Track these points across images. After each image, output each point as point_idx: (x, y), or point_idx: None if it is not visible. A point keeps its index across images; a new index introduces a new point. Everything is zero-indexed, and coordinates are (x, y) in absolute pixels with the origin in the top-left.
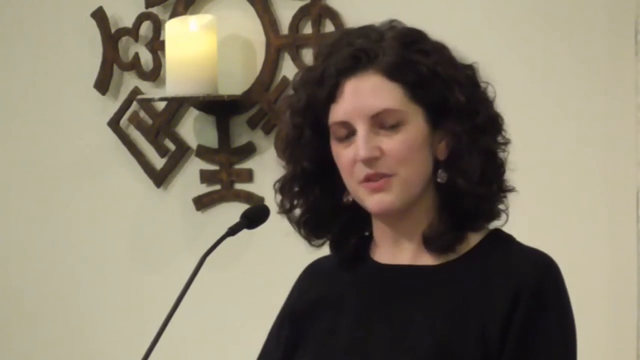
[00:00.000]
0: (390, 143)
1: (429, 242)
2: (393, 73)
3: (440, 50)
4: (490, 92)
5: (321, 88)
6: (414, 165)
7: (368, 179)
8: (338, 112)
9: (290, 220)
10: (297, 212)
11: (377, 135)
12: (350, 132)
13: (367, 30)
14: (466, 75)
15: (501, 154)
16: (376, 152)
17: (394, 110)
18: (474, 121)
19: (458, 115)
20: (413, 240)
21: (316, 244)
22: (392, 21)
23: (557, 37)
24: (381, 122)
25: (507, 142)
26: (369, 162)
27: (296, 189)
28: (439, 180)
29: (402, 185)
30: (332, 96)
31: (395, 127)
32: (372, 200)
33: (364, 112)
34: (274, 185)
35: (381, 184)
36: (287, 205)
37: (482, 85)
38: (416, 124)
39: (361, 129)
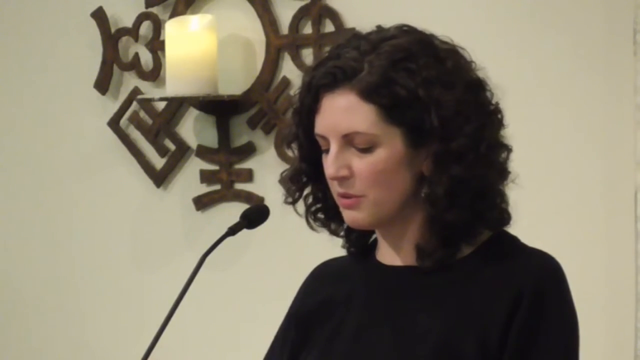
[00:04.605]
0: (360, 165)
1: (421, 258)
2: (369, 94)
3: (432, 67)
4: (494, 115)
5: (307, 96)
6: (385, 187)
7: (340, 194)
8: (317, 125)
9: (297, 209)
10: (306, 201)
11: (349, 154)
12: (329, 145)
13: (362, 41)
14: (456, 97)
15: (486, 179)
16: (344, 171)
17: (364, 133)
18: (447, 146)
19: (433, 139)
20: (411, 243)
21: (327, 231)
22: (402, 26)
23: (555, 37)
24: (353, 142)
25: (503, 169)
26: (338, 180)
27: (301, 181)
28: (423, 195)
29: (372, 206)
30: (314, 107)
31: (366, 149)
32: (345, 216)
33: (335, 130)
34: (282, 173)
35: (352, 202)
36: (295, 196)
37: (486, 107)
38: (391, 145)
39: (333, 146)
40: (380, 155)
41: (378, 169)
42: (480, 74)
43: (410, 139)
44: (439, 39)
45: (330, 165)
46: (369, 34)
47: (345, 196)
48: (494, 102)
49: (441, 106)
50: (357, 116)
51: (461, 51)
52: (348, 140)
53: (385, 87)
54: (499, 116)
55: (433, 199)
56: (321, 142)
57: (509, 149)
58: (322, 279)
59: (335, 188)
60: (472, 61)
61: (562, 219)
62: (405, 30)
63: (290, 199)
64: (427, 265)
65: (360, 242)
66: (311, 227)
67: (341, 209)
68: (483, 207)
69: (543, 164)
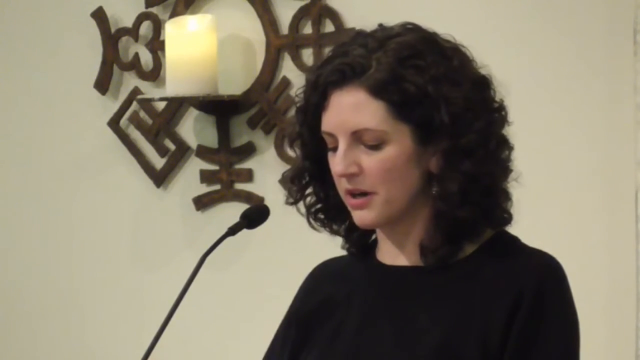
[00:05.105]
0: (370, 162)
1: (424, 255)
2: (378, 91)
3: (440, 64)
4: (499, 112)
5: (314, 94)
6: (396, 183)
7: (350, 192)
8: (325, 122)
9: (299, 209)
10: (308, 201)
11: (358, 151)
12: (337, 143)
13: (368, 39)
14: (464, 94)
15: (494, 176)
16: (354, 168)
17: (373, 130)
18: (457, 143)
19: (442, 136)
20: (414, 242)
21: (328, 232)
22: (406, 24)
23: (556, 37)
24: (362, 138)
25: (506, 167)
26: (347, 177)
27: (304, 181)
28: (433, 192)
29: (383, 204)
30: (321, 105)
31: (375, 146)
32: (355, 216)
33: (344, 127)
34: (284, 173)
35: (361, 202)
36: (296, 195)
37: (492, 104)
38: (400, 142)
39: (341, 143)
40: (389, 152)
41: (387, 166)
42: (485, 72)
43: (419, 135)
44: (441, 37)
45: (339, 162)
46: (374, 31)
47: (354, 193)
48: (498, 99)
49: (450, 103)
50: (366, 113)
51: (464, 49)
52: (357, 137)
53: (394, 83)
54: (503, 113)
55: (445, 195)
56: (328, 139)
57: (511, 147)
58: (322, 279)
59: (343, 185)
60: (474, 60)
61: (562, 219)
62: (410, 28)
63: (291, 200)
64: (430, 262)
65: (360, 242)
66: (312, 227)
67: (350, 209)
68: (490, 204)
69: (543, 164)
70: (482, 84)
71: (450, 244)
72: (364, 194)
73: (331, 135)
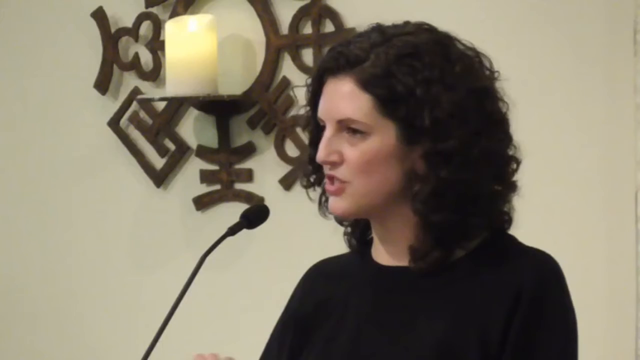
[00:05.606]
0: (351, 152)
1: (414, 260)
2: (366, 84)
3: (437, 67)
4: (499, 125)
5: (314, 81)
6: (372, 176)
7: (329, 177)
8: (319, 108)
9: (309, 194)
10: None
11: (342, 140)
12: None
13: (375, 33)
14: (454, 99)
15: (479, 184)
16: (334, 156)
17: (357, 121)
18: (436, 146)
19: (425, 138)
20: (405, 243)
21: (335, 220)
22: (422, 24)
23: (555, 37)
24: (347, 128)
25: (503, 179)
26: (329, 164)
27: (312, 167)
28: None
29: (355, 195)
30: (318, 91)
31: (359, 136)
32: (329, 203)
33: (332, 114)
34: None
35: (336, 189)
36: (310, 180)
37: (488, 115)
38: (383, 137)
39: (327, 130)
40: (371, 145)
41: (367, 158)
42: (497, 84)
43: (404, 134)
44: (461, 42)
45: (321, 149)
46: (388, 27)
47: (331, 179)
48: (498, 112)
49: (437, 106)
50: (353, 104)
51: (482, 58)
52: (342, 126)
53: (383, 79)
54: (505, 127)
55: (420, 197)
56: (323, 124)
57: (518, 161)
58: (318, 279)
59: (325, 171)
60: (491, 70)
61: (562, 219)
62: (425, 29)
63: (304, 183)
64: (420, 267)
65: (361, 237)
66: (322, 214)
67: (328, 196)
68: (473, 211)
69: (543, 164)
70: (481, 94)
71: (440, 249)
72: (340, 181)
73: (322, 121)
